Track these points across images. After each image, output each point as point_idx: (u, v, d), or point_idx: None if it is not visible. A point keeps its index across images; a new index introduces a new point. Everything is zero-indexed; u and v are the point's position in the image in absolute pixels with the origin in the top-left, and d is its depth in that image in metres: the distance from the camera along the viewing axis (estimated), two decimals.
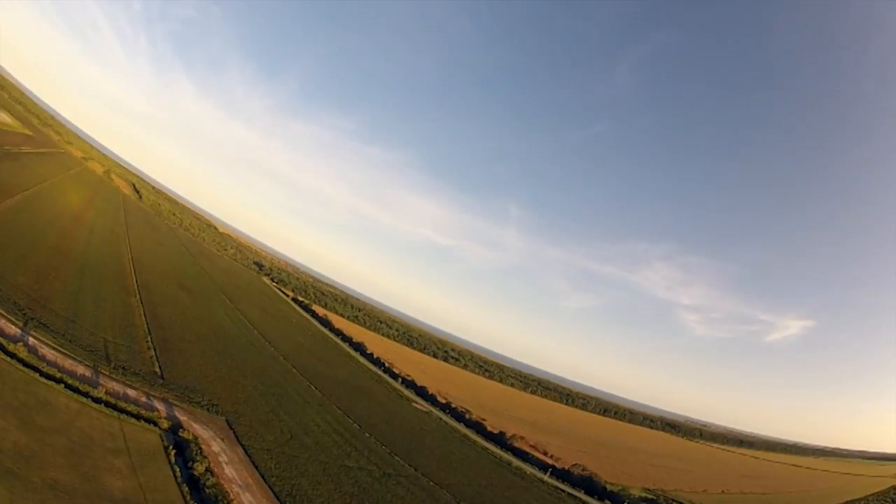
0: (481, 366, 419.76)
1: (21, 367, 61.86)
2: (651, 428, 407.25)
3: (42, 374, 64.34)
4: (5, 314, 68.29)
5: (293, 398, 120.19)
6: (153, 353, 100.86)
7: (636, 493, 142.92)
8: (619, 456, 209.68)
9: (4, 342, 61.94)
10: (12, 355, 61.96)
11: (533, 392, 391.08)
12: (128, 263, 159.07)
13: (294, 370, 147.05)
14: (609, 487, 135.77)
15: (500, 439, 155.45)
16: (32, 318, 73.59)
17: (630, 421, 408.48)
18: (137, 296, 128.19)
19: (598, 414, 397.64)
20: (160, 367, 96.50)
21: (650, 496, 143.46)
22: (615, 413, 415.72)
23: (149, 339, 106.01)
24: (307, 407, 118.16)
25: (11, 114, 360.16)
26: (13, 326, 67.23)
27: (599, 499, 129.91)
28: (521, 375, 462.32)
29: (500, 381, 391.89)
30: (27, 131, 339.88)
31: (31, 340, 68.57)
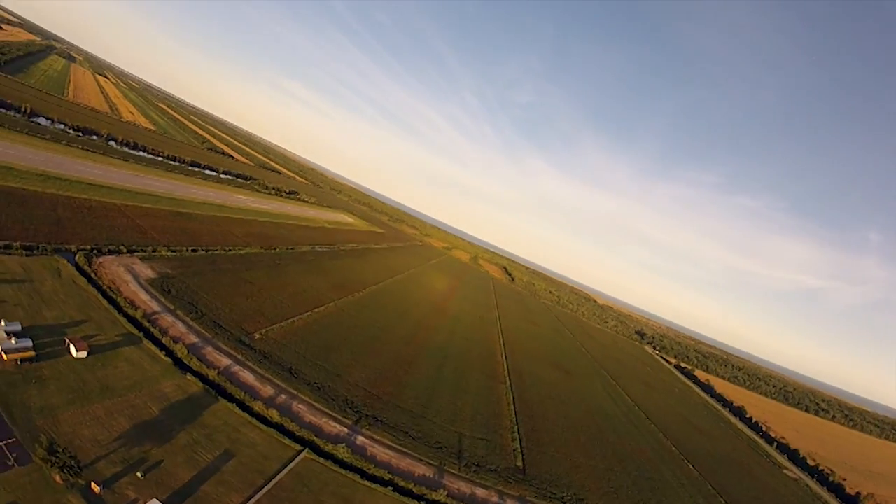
0: (846, 414, 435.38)
1: (336, 468, 56.38)
2: None
3: (366, 475, 57.62)
4: (331, 412, 67.29)
5: (667, 482, 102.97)
6: (518, 444, 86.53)
7: None
8: None
9: (320, 443, 58.36)
10: (328, 456, 57.56)
11: (886, 438, 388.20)
12: (498, 347, 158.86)
13: (673, 448, 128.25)
14: None
15: (854, 502, 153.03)
16: (368, 416, 71.34)
17: None
18: (507, 382, 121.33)
19: None
20: (523, 461, 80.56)
21: None
22: None
23: (515, 429, 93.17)
24: (681, 490, 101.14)
25: (353, 214, 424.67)
26: (338, 425, 65.10)
27: None
28: (878, 420, 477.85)
29: (861, 429, 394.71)
30: (376, 229, 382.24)
31: (360, 440, 64.48)
